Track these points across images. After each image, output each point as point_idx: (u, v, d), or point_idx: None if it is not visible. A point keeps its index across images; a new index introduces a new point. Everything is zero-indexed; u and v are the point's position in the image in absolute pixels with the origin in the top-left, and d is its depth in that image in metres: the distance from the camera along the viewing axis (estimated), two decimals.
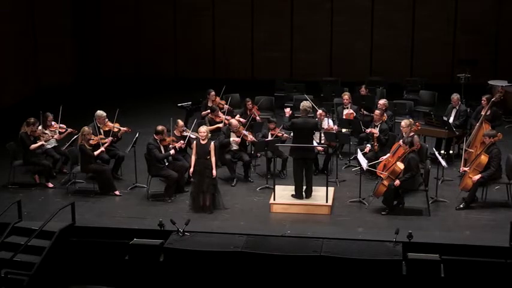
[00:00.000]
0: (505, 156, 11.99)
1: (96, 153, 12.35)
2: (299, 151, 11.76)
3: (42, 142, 12.82)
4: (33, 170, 13.02)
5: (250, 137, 13.06)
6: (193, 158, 11.77)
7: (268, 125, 13.43)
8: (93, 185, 12.48)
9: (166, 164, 12.26)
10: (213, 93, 15.13)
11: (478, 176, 11.49)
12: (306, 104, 11.97)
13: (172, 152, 12.22)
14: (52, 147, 13.24)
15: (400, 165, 11.36)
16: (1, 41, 18.41)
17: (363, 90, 15.71)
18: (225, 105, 14.94)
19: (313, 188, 11.89)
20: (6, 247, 10.64)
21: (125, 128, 13.38)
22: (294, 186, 11.88)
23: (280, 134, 13.05)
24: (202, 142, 11.72)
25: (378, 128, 13.05)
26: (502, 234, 10.46)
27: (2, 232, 10.81)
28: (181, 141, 12.57)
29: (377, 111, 13.38)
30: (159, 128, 12.32)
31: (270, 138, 13.06)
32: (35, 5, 20.00)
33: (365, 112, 14.65)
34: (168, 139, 12.41)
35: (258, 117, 14.51)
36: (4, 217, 11.02)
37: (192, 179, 11.97)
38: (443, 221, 11.25)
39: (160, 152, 12.21)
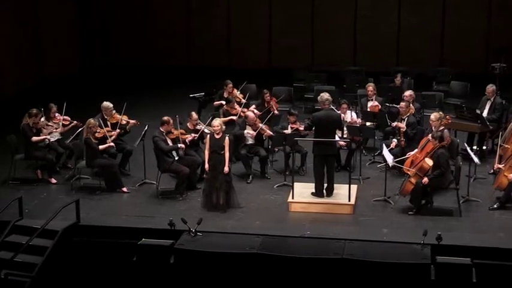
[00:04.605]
0: None
1: (101, 147, 12.35)
2: (320, 146, 11.70)
3: (46, 137, 12.85)
4: (35, 165, 13.06)
5: (268, 132, 13.00)
6: (206, 153, 11.75)
7: (288, 117, 13.37)
8: (99, 181, 12.51)
9: (177, 158, 12.24)
10: (230, 85, 15.04)
11: None
12: (325, 95, 11.90)
13: (180, 145, 12.19)
14: (56, 141, 13.26)
15: (429, 162, 11.30)
16: (3, 30, 18.52)
17: (398, 80, 15.72)
18: (243, 99, 14.87)
19: (335, 185, 11.85)
20: (7, 247, 10.68)
21: (133, 121, 13.38)
22: (314, 184, 11.84)
23: (301, 128, 12.98)
24: (217, 136, 11.69)
25: (405, 122, 12.98)
26: None
27: (2, 231, 10.85)
28: (192, 134, 12.55)
29: (402, 104, 13.30)
30: (164, 118, 12.34)
31: (289, 131, 13.01)
32: None
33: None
34: (175, 132, 12.39)
35: (276, 111, 14.45)
36: (4, 215, 11.05)
37: (204, 175, 11.96)
38: (475, 222, 11.18)
39: (167, 145, 12.21)
